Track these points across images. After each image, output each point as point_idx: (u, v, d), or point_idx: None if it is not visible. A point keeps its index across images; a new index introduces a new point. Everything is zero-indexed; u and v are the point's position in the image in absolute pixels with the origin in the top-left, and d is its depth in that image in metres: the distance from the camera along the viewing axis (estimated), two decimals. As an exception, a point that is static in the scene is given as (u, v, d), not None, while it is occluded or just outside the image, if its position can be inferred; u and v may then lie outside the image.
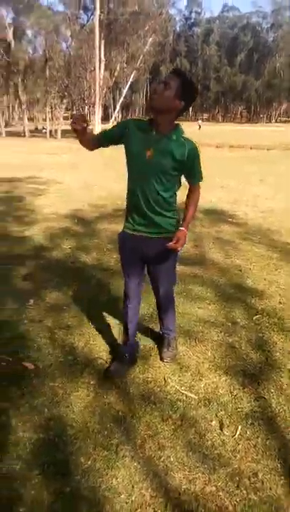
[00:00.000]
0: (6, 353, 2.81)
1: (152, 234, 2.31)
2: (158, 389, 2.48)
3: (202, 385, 2.51)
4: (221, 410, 2.30)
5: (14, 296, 3.66)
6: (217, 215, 6.76)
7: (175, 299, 2.87)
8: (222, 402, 2.37)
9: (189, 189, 2.40)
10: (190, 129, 42.85)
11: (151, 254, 2.38)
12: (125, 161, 2.24)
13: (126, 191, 2.31)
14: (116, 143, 2.22)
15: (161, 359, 2.73)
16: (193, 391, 2.46)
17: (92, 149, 2.34)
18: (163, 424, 2.20)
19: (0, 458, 1.97)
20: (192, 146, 2.15)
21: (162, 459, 1.98)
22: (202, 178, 2.33)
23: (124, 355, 2.66)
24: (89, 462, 1.96)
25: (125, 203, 2.39)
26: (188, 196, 2.40)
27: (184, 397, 2.41)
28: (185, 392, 2.44)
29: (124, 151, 2.21)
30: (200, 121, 49.54)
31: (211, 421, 2.23)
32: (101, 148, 2.35)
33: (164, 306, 2.74)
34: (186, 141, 2.13)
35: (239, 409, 2.32)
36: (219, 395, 2.43)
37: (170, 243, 2.16)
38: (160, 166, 2.09)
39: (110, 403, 2.35)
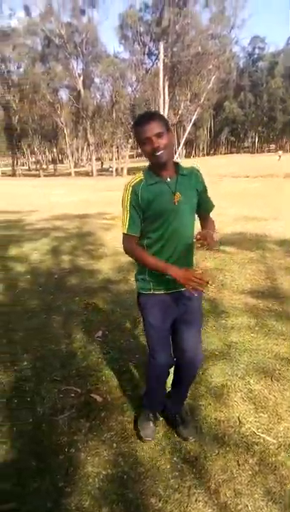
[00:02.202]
0: (74, 384, 2.83)
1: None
2: (233, 430, 2.32)
3: (281, 429, 2.31)
4: (304, 458, 2.08)
5: (83, 328, 3.73)
6: (288, 246, 6.45)
7: None
8: (305, 448, 2.14)
9: (205, 221, 2.14)
10: (265, 159, 42.24)
11: (183, 308, 2.08)
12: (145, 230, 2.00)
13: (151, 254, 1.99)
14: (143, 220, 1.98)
15: (185, 439, 2.25)
16: (271, 434, 2.26)
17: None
18: (239, 469, 2.03)
19: (69, 492, 1.94)
20: (199, 172, 2.05)
21: (239, 507, 1.82)
22: (214, 206, 2.16)
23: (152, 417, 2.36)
24: (160, 504, 1.85)
25: (142, 268, 2.08)
26: (207, 223, 2.13)
27: (261, 441, 2.22)
28: (263, 436, 2.26)
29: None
30: (280, 152, 46.49)
31: (293, 469, 2.02)
32: None
33: (193, 375, 2.25)
34: (193, 171, 2.04)
35: None
36: (301, 440, 2.21)
37: (199, 237, 1.82)
38: (190, 203, 1.98)
39: (181, 442, 2.24)
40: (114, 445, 2.24)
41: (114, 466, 2.09)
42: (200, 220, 2.16)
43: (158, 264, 1.92)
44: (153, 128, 1.82)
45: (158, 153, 1.84)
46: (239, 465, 2.06)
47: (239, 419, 2.41)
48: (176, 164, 2.00)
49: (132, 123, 1.86)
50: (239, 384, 2.74)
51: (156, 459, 2.13)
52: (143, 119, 1.86)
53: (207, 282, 1.86)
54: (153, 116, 1.88)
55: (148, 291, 2.07)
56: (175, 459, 2.12)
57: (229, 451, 2.16)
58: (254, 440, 2.23)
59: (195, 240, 1.86)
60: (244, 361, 3.02)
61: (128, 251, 2.03)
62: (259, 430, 2.30)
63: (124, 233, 2.00)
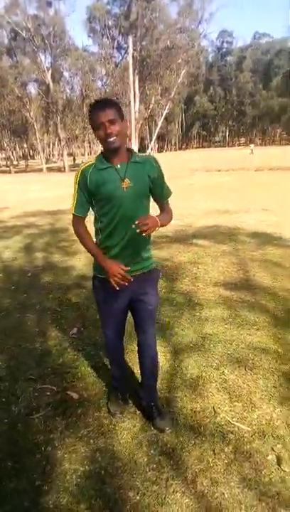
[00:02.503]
0: (50, 382, 2.80)
1: (139, 271, 2.12)
2: (208, 420, 2.35)
3: (255, 417, 2.36)
4: (278, 444, 2.14)
5: (58, 326, 3.69)
6: (261, 238, 6.58)
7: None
8: (279, 435, 2.20)
9: (162, 209, 2.19)
10: (237, 153, 42.68)
11: (138, 293, 2.16)
12: (93, 215, 2.09)
13: (103, 239, 2.06)
14: (92, 203, 2.04)
15: (162, 431, 2.29)
16: (246, 423, 2.32)
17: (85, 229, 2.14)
18: (215, 458, 2.07)
19: (47, 490, 1.93)
20: (156, 161, 2.07)
21: (215, 496, 1.85)
22: (171, 192, 2.20)
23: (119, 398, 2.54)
24: (138, 497, 1.87)
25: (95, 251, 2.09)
26: (163, 211, 2.19)
27: (236, 429, 2.27)
28: (237, 424, 2.30)
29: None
30: (252, 146, 45.92)
31: (267, 455, 2.07)
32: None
33: (154, 360, 2.35)
34: (148, 158, 2.06)
35: (297, 443, 2.15)
36: (274, 427, 2.26)
37: (140, 220, 1.89)
38: (139, 189, 1.99)
39: (157, 435, 2.25)
40: (91, 441, 2.24)
41: (91, 462, 2.09)
42: (159, 208, 2.20)
43: (96, 253, 2.04)
44: (107, 114, 1.85)
45: (110, 139, 1.87)
46: (215, 454, 2.10)
47: (214, 409, 2.45)
48: (130, 151, 2.02)
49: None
50: (214, 374, 2.79)
51: (133, 452, 2.14)
52: (97, 105, 1.89)
53: (129, 280, 1.99)
54: (107, 102, 1.90)
55: (100, 274, 2.13)
56: (152, 451, 2.14)
57: (205, 441, 2.19)
58: (229, 429, 2.27)
59: (133, 225, 1.92)
60: (219, 352, 3.07)
61: (75, 231, 2.14)
62: (234, 419, 2.35)
63: (72, 214, 2.08)
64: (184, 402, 2.52)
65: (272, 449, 2.11)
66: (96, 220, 2.08)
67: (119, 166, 1.95)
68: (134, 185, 1.95)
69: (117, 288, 2.00)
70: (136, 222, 1.88)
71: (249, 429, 2.27)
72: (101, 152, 2.01)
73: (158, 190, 2.10)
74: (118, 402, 2.51)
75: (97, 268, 2.15)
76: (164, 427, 2.29)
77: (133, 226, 1.91)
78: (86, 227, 2.12)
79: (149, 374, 2.36)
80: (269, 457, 2.06)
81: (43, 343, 3.37)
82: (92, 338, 3.42)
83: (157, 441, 2.21)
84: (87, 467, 2.06)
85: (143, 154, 2.09)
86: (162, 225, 2.04)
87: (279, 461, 2.02)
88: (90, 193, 1.98)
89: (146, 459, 2.09)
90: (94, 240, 2.13)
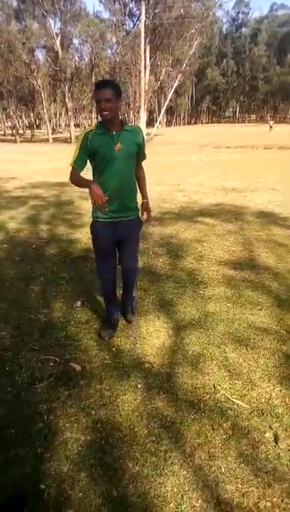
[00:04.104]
0: (53, 354, 2.84)
1: (124, 218, 2.72)
2: (208, 396, 2.39)
3: (255, 395, 2.40)
4: (275, 422, 2.18)
5: (62, 298, 3.72)
6: (268, 218, 6.52)
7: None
8: (277, 413, 2.24)
9: (138, 168, 2.82)
10: (255, 130, 41.59)
11: (123, 233, 2.77)
12: (91, 168, 2.64)
13: (83, 178, 2.58)
14: (88, 159, 2.58)
15: (129, 322, 3.21)
16: (245, 400, 2.35)
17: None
18: (214, 433, 2.11)
19: (48, 458, 1.98)
20: (141, 131, 2.69)
21: (213, 469, 1.90)
22: (146, 157, 2.84)
23: (112, 319, 3.16)
24: (137, 467, 1.92)
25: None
26: (140, 174, 2.87)
27: (235, 406, 2.31)
28: (237, 401, 2.34)
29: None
30: (271, 122, 44.83)
31: (265, 433, 2.12)
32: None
33: (133, 277, 3.11)
34: (136, 128, 2.66)
35: (294, 422, 2.19)
36: (273, 405, 2.30)
37: (144, 216, 2.91)
38: (128, 151, 2.56)
39: (158, 408, 2.30)
40: (93, 412, 2.29)
41: (92, 432, 2.14)
42: (135, 166, 2.75)
43: (87, 182, 2.52)
44: (105, 93, 2.35)
45: (104, 113, 2.40)
46: (213, 429, 2.14)
47: (214, 386, 2.48)
48: (122, 122, 2.56)
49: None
50: (215, 352, 2.82)
51: (134, 424, 2.19)
52: (99, 85, 2.40)
53: (104, 206, 2.48)
54: (107, 83, 2.42)
55: (96, 218, 2.73)
56: (151, 424, 2.18)
57: (205, 416, 2.23)
58: (228, 406, 2.31)
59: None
60: (221, 330, 3.10)
61: (71, 180, 2.63)
62: (233, 396, 2.39)
63: (71, 166, 2.58)
64: (184, 377, 2.56)
65: (270, 427, 2.15)
66: (93, 174, 2.66)
67: (114, 132, 2.50)
68: (124, 148, 2.53)
69: (100, 209, 2.60)
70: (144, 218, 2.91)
71: (248, 406, 2.31)
72: (100, 121, 2.53)
73: (140, 155, 2.72)
74: (109, 329, 3.08)
75: (94, 213, 2.72)
76: (132, 320, 3.20)
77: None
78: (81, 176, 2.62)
79: (127, 282, 3.10)
80: (267, 435, 2.10)
81: (47, 315, 3.40)
82: (95, 311, 3.44)
83: (157, 414, 2.25)
84: (88, 437, 2.11)
85: (132, 125, 2.70)
86: (147, 195, 2.95)
87: (276, 438, 2.06)
88: (89, 151, 2.52)
89: (145, 431, 2.13)
90: None
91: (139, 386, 2.49)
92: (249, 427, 2.16)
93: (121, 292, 3.22)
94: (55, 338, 3.05)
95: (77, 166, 2.57)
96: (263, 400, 2.35)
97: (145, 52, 33.75)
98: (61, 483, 1.85)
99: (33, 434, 2.13)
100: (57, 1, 37.59)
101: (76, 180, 2.61)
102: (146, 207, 2.91)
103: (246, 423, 2.18)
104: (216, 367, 2.67)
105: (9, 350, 2.90)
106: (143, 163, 2.86)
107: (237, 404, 2.32)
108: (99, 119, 2.50)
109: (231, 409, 2.28)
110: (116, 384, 2.51)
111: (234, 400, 2.35)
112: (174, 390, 2.45)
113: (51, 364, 2.74)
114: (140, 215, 2.87)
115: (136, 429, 2.15)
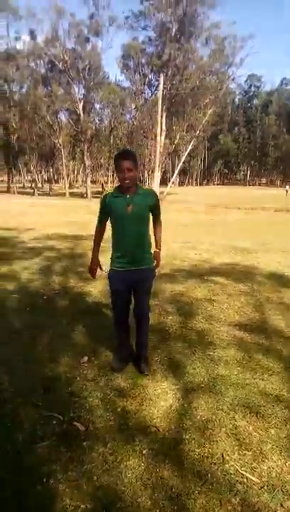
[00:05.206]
0: (57, 411, 2.76)
1: (138, 267, 3.03)
2: (216, 467, 2.27)
3: (265, 468, 2.27)
4: (287, 500, 2.04)
5: (69, 353, 3.67)
6: (278, 280, 6.52)
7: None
8: (288, 490, 2.10)
9: (154, 220, 3.22)
10: (270, 193, 42.43)
11: (136, 281, 3.08)
12: (111, 227, 3.03)
13: (114, 244, 3.05)
14: (109, 217, 3.03)
15: (142, 372, 3.27)
16: (255, 473, 2.23)
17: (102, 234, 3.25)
18: (221, 509, 1.98)
19: (46, 527, 1.87)
20: (155, 193, 3.08)
21: None
22: (160, 213, 3.22)
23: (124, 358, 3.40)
24: None
25: (112, 253, 3.09)
26: (156, 226, 3.25)
27: (244, 480, 2.18)
28: (246, 474, 2.21)
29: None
30: (288, 187, 45.11)
31: (276, 511, 1.98)
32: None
33: (146, 322, 3.34)
34: (148, 191, 3.05)
35: (308, 502, 2.04)
36: (285, 481, 2.17)
37: (154, 264, 3.19)
38: (139, 212, 2.90)
39: (163, 477, 2.18)
40: (95, 478, 2.18)
41: (92, 500, 2.03)
42: (152, 218, 3.18)
43: (93, 253, 3.27)
44: (126, 163, 2.75)
45: (126, 182, 2.80)
46: (221, 504, 2.01)
47: (222, 455, 2.36)
48: (137, 186, 2.91)
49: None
50: (224, 419, 2.71)
51: (137, 494, 2.07)
52: (121, 155, 2.81)
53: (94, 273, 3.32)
54: (128, 155, 2.83)
55: (113, 267, 3.07)
56: (156, 494, 2.06)
57: (212, 489, 2.11)
58: (237, 479, 2.19)
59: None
60: (230, 395, 3.00)
61: (94, 237, 3.24)
62: (243, 468, 2.26)
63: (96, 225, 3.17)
64: (192, 445, 2.45)
65: (281, 505, 2.01)
66: (112, 230, 3.04)
67: (128, 196, 2.87)
68: (136, 209, 2.88)
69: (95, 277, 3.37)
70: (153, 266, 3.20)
71: (258, 480, 2.18)
72: (118, 185, 2.95)
73: (155, 212, 3.13)
74: (120, 361, 3.36)
75: (112, 263, 3.08)
76: (145, 370, 3.26)
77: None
78: (100, 237, 3.24)
79: (141, 332, 3.30)
80: (278, 514, 1.96)
81: (53, 369, 3.35)
82: (102, 368, 3.38)
83: (162, 484, 2.13)
84: (88, 505, 2.00)
85: (146, 188, 3.09)
86: (160, 245, 3.30)
87: (289, 519, 1.93)
88: (106, 212, 3.00)
89: (149, 503, 2.01)
90: (111, 241, 3.08)
91: (144, 452, 2.38)
92: (259, 503, 2.02)
93: (134, 342, 3.41)
94: (60, 395, 2.97)
95: (97, 225, 3.17)
96: (274, 475, 2.22)
97: (161, 117, 35.85)
98: None
99: (31, 498, 2.02)
100: (83, 70, 40.79)
101: (93, 241, 3.25)
102: (156, 256, 3.21)
103: (256, 499, 2.05)
104: (225, 435, 2.55)
105: (10, 404, 2.83)
106: None
107: (247, 478, 2.19)
108: (116, 179, 2.82)
109: (240, 483, 2.16)
110: (121, 448, 2.41)
111: (244, 473, 2.22)
112: (181, 458, 2.33)
113: (54, 422, 2.65)
114: (152, 265, 3.17)
115: (139, 500, 2.03)
